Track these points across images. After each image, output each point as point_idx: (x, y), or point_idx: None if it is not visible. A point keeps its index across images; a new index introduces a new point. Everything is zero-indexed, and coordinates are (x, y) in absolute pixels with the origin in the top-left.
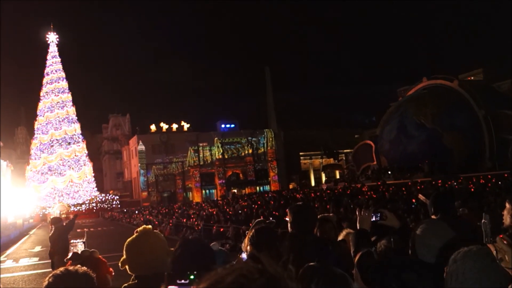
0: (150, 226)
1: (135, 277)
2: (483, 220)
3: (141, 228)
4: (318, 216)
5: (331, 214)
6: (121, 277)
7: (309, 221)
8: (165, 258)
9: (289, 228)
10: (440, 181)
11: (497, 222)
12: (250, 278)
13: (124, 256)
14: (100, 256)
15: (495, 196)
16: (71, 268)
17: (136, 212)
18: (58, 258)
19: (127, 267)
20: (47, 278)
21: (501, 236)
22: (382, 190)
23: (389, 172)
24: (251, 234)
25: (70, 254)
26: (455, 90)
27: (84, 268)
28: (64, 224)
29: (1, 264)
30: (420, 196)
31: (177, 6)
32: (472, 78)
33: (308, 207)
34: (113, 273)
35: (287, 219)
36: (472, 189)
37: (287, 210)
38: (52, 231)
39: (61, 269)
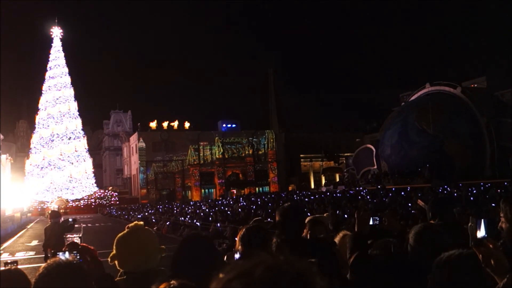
0: (142, 223)
1: (123, 273)
2: (469, 224)
3: (132, 224)
4: (309, 218)
5: (324, 215)
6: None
7: (297, 223)
8: (155, 255)
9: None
10: (439, 187)
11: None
12: (279, 271)
13: (114, 251)
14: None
15: (494, 204)
16: (62, 259)
17: (136, 208)
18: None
19: (116, 262)
20: (40, 269)
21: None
22: (381, 194)
23: (389, 177)
24: (242, 233)
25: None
26: (458, 97)
27: (77, 258)
28: (61, 221)
29: None
30: (419, 202)
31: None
32: (475, 85)
33: (296, 208)
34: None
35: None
36: (471, 197)
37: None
38: (49, 224)
39: (53, 260)
